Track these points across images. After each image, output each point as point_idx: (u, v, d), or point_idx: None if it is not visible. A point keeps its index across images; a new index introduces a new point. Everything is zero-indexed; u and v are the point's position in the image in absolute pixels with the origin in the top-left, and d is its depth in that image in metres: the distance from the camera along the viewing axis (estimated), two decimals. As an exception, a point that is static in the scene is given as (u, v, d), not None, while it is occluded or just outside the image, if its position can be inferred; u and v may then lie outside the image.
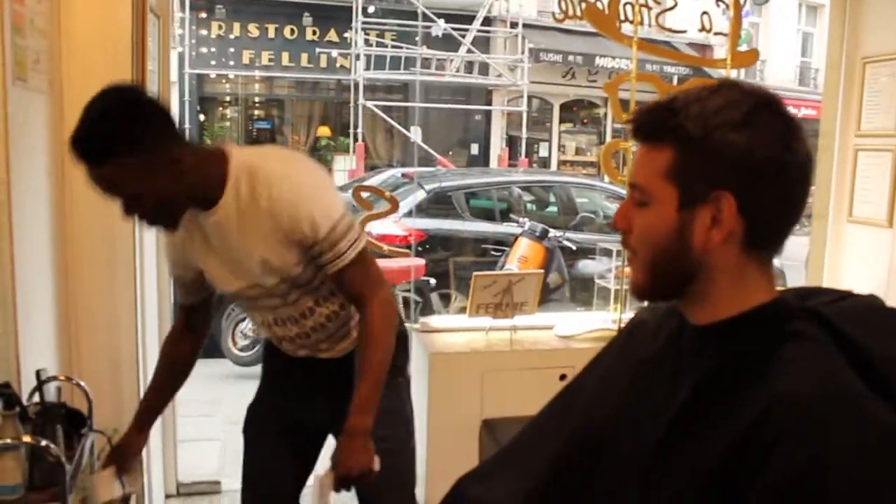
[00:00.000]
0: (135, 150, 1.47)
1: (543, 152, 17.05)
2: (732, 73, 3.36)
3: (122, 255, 2.43)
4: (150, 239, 2.71)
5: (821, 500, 0.78)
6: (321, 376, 1.90)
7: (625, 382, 1.05)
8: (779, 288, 1.00)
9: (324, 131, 17.28)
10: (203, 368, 5.23)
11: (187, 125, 14.72)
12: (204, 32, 15.33)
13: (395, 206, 3.05)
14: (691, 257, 0.93)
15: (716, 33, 3.43)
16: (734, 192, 0.90)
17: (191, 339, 1.98)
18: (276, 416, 1.99)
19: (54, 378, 1.81)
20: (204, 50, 15.40)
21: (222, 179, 1.62)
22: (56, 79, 2.24)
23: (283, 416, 1.97)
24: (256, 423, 2.04)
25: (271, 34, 15.89)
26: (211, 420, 4.24)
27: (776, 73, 18.24)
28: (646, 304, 1.12)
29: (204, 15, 15.11)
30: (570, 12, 3.04)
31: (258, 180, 1.61)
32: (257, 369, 5.26)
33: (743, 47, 3.47)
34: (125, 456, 1.85)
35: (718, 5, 3.41)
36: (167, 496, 3.06)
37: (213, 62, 15.68)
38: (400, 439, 1.90)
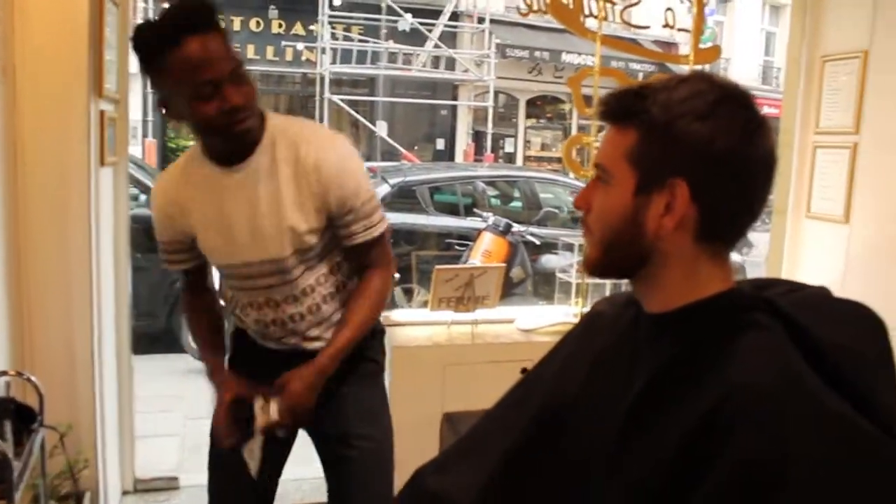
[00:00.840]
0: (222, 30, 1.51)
1: (509, 147, 17.09)
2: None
3: (77, 247, 2.39)
4: (106, 230, 2.66)
5: (780, 486, 0.78)
6: None
7: (583, 372, 1.05)
8: (737, 279, 1.01)
9: (307, 126, 17.16)
10: (162, 363, 5.25)
11: (150, 119, 14.55)
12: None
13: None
14: (643, 242, 0.94)
15: (679, 30, 3.45)
16: (689, 180, 0.90)
17: (204, 293, 1.89)
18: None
19: (3, 373, 1.78)
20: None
21: (255, 137, 1.60)
22: (9, 66, 2.20)
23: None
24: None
25: (237, 26, 15.72)
26: (170, 415, 4.20)
27: (740, 71, 18.45)
28: (605, 287, 1.13)
29: (166, 5, 14.89)
30: (535, 6, 3.04)
31: (304, 142, 1.61)
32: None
33: (707, 45, 3.50)
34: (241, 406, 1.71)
35: (682, 2, 3.44)
36: (124, 493, 3.02)
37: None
38: (383, 437, 1.90)
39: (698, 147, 0.90)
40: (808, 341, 0.88)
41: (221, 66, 1.46)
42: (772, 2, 18.62)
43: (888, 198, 3.24)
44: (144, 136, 14.44)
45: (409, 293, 6.10)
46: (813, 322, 0.90)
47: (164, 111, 1.57)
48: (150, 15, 13.69)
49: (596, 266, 1.01)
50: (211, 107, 1.47)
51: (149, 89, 13.82)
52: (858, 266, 3.32)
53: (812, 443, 0.79)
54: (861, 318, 0.94)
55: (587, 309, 2.81)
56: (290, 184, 1.60)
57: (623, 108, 0.95)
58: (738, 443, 0.80)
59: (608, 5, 2.97)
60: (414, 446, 2.72)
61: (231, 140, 1.56)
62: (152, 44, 1.47)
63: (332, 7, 14.24)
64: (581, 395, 1.03)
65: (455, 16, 15.76)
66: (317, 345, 1.76)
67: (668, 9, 3.35)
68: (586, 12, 2.94)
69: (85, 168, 2.40)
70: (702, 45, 3.45)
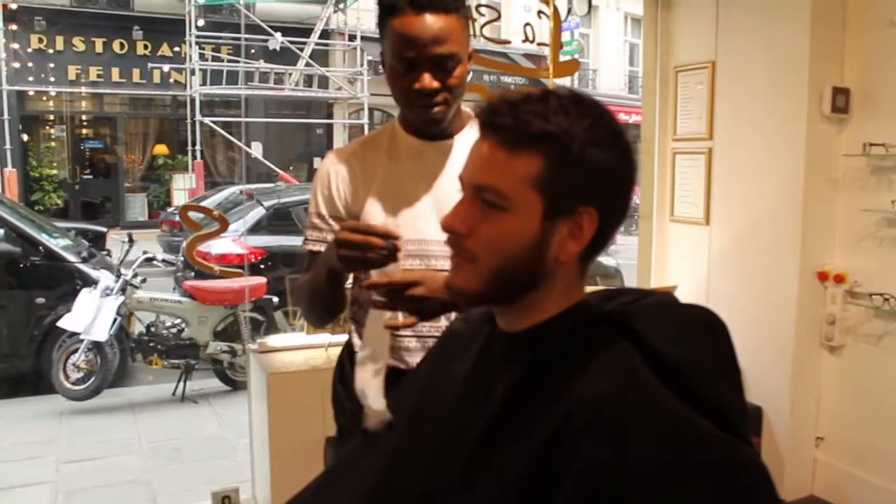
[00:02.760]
0: (467, 19, 1.49)
1: (385, 164, 17.08)
2: (566, 82, 3.47)
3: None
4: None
5: (623, 497, 0.78)
6: None
7: (442, 395, 1.04)
8: (588, 288, 1.02)
9: (161, 149, 16.64)
10: (29, 407, 4.98)
11: (8, 146, 13.79)
12: (19, 46, 14.34)
13: (224, 226, 2.95)
14: (541, 268, 0.92)
15: (539, 44, 3.54)
16: (597, 207, 0.90)
17: None
18: None
19: None
20: (20, 65, 14.41)
21: (444, 129, 1.57)
22: None
23: None
24: None
25: (99, 48, 15.16)
26: (40, 462, 3.95)
27: (607, 81, 19.17)
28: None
29: (15, 27, 14.10)
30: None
31: None
32: (93, 403, 4.99)
33: (574, 56, 3.60)
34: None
35: (540, 17, 3.52)
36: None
37: (32, 78, 14.72)
38: None
39: (607, 175, 0.91)
40: (651, 352, 0.89)
41: (428, 48, 1.44)
42: (632, 14, 19.39)
43: (742, 199, 3.42)
44: (3, 165, 13.64)
45: (288, 315, 5.98)
46: (657, 333, 0.91)
47: (381, 68, 1.57)
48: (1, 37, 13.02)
49: (479, 297, 0.96)
50: (404, 81, 1.48)
51: (6, 115, 13.08)
52: (720, 265, 3.48)
53: (654, 452, 0.80)
54: (705, 324, 0.95)
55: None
56: None
57: (526, 131, 0.89)
58: (583, 456, 0.81)
59: (473, 24, 3.00)
60: (297, 474, 2.67)
61: (420, 121, 1.54)
62: (385, 5, 1.48)
63: (198, 27, 13.91)
64: (440, 418, 1.01)
65: (326, 34, 15.69)
66: None
67: (527, 24, 3.42)
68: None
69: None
70: (565, 57, 3.55)
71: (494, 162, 0.90)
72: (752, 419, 3.26)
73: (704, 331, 0.94)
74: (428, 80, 1.45)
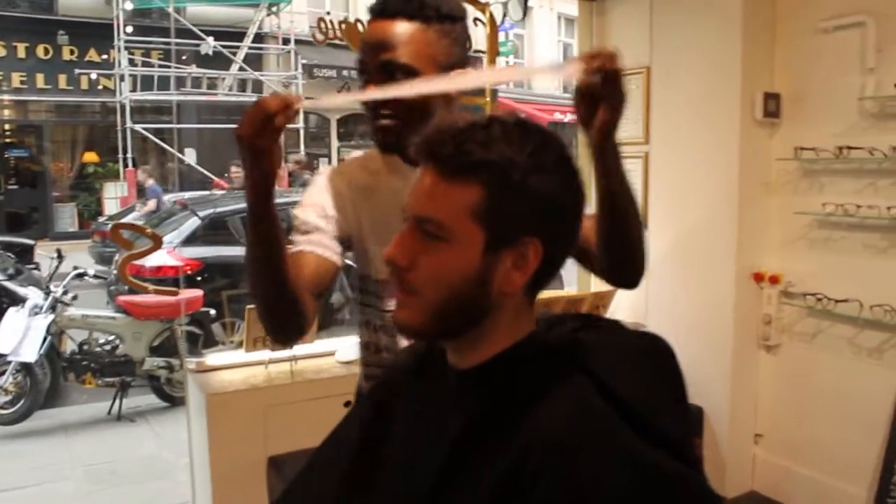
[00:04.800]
0: (458, 40, 1.40)
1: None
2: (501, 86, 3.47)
3: None
4: None
5: None
6: None
7: (390, 431, 1.01)
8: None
9: (90, 157, 16.18)
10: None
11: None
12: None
13: (158, 243, 2.86)
14: (485, 301, 0.89)
15: (476, 51, 3.53)
16: (542, 237, 0.88)
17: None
18: None
19: None
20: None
21: (397, 142, 1.44)
22: None
23: None
24: None
25: (21, 53, 14.66)
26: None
27: (542, 81, 19.32)
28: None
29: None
30: (331, 34, 3.01)
31: None
32: (23, 427, 4.80)
33: (510, 59, 3.60)
34: None
35: (476, 25, 3.51)
36: None
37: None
38: None
39: (550, 203, 0.88)
40: (606, 389, 0.88)
41: (376, 55, 1.35)
42: (566, 15, 19.59)
43: (679, 203, 3.46)
44: None
45: (231, 327, 5.88)
46: (609, 368, 0.90)
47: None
48: None
49: (423, 332, 0.93)
50: (361, 87, 1.39)
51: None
52: (659, 268, 3.50)
53: (611, 490, 0.79)
54: (654, 353, 0.95)
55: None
56: None
57: (463, 159, 0.86)
58: (540, 496, 0.79)
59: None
60: (240, 495, 2.62)
61: (372, 134, 1.43)
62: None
63: (126, 32, 13.58)
64: (388, 457, 0.98)
65: (259, 37, 15.48)
66: None
67: (465, 31, 3.40)
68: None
69: None
70: (501, 59, 3.55)
71: (435, 192, 0.88)
72: (694, 420, 3.30)
73: (654, 361, 0.94)
74: (371, 89, 1.35)
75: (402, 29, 1.35)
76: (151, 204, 10.35)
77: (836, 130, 3.02)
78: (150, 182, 11.03)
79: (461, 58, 1.42)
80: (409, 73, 1.34)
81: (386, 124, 1.39)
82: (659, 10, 3.50)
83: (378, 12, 1.37)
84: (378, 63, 1.35)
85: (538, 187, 0.87)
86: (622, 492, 0.79)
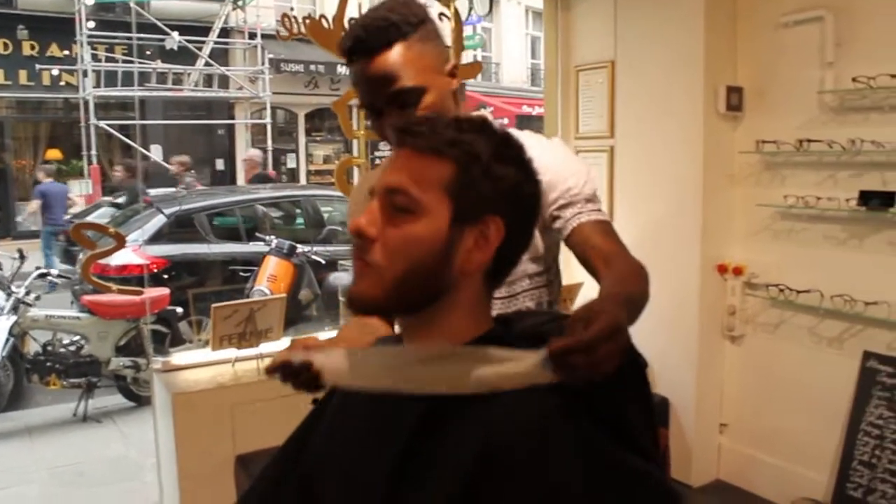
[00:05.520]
0: (434, 35, 1.40)
1: (291, 163, 16.79)
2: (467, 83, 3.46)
3: None
4: None
5: None
6: None
7: (346, 427, 1.01)
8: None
9: (53, 154, 15.87)
10: None
11: None
12: None
13: (121, 243, 2.83)
14: (446, 277, 0.91)
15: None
16: (504, 218, 0.92)
17: None
18: None
19: None
20: None
21: None
22: None
23: None
24: None
25: (-20, 49, 14.38)
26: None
27: (510, 74, 19.36)
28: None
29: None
30: (294, 30, 2.99)
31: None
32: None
33: (477, 52, 3.60)
34: None
35: (441, 20, 3.50)
36: None
37: None
38: None
39: (513, 189, 0.93)
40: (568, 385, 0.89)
41: (380, 91, 1.36)
42: (533, 8, 19.62)
43: (644, 196, 3.49)
44: None
45: (198, 325, 5.83)
46: None
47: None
48: None
49: (380, 305, 0.94)
50: (379, 128, 1.41)
51: None
52: (624, 261, 3.54)
53: (574, 487, 0.80)
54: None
55: (374, 332, 2.80)
56: None
57: (443, 139, 0.92)
58: (500, 487, 0.80)
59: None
60: (208, 494, 2.60)
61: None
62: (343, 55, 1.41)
63: (88, 27, 13.36)
64: (344, 454, 0.98)
65: (225, 32, 15.31)
66: None
67: (430, 26, 3.39)
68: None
69: None
70: (469, 55, 3.54)
71: (408, 166, 0.92)
72: (660, 410, 3.34)
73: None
74: (391, 123, 1.33)
75: (391, 56, 1.35)
76: None
77: (797, 123, 3.06)
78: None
79: (444, 47, 1.46)
80: (420, 92, 1.37)
81: None
82: (623, 3, 3.52)
83: (360, 52, 1.37)
84: (387, 97, 1.37)
85: (502, 172, 0.93)
86: (583, 488, 0.80)
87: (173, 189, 8.76)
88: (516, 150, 0.97)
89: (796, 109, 3.08)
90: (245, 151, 15.26)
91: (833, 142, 2.90)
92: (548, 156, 1.42)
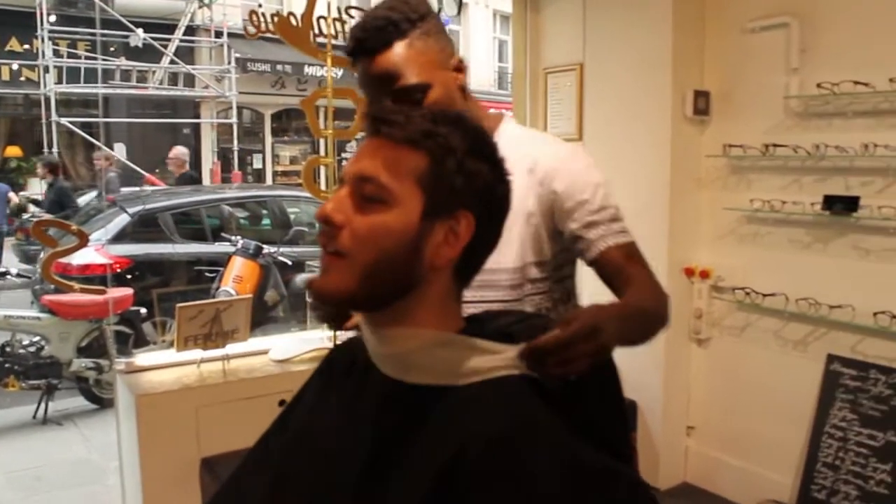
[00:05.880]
0: (437, 30, 1.38)
1: (257, 164, 16.66)
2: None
3: None
4: None
5: None
6: None
7: (319, 430, 0.99)
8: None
9: (13, 151, 15.60)
10: None
11: None
12: None
13: (84, 241, 2.77)
14: (416, 270, 0.89)
15: (411, 46, 3.51)
16: (475, 214, 0.91)
17: None
18: None
19: None
20: None
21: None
22: None
23: None
24: None
25: (-64, 44, 14.07)
26: None
27: (477, 77, 19.37)
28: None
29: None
30: (263, 27, 2.95)
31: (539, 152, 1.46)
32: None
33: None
34: None
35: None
36: None
37: None
38: None
39: (486, 186, 0.92)
40: (538, 384, 0.88)
41: (383, 88, 1.35)
42: (501, 12, 19.68)
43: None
44: None
45: (157, 326, 5.75)
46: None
47: None
48: None
49: (349, 297, 0.90)
50: None
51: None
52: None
53: (551, 492, 0.79)
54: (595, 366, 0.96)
55: (341, 333, 2.77)
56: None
57: (418, 130, 0.90)
58: (476, 494, 0.79)
59: (338, 24, 2.93)
60: (172, 499, 2.56)
61: None
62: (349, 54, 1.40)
63: (50, 21, 13.13)
64: (316, 454, 0.96)
65: (191, 30, 15.15)
66: None
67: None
68: (316, 31, 2.89)
69: None
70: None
71: (381, 155, 0.90)
72: (628, 414, 3.35)
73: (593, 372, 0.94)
74: None
75: (392, 55, 1.35)
76: None
77: (763, 128, 3.10)
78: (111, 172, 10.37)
79: (448, 42, 1.43)
80: (424, 89, 1.36)
81: None
82: (592, 7, 3.54)
83: (362, 53, 1.36)
84: (391, 96, 1.35)
85: (476, 168, 0.91)
86: (557, 488, 0.79)
87: (138, 188, 8.64)
88: (490, 146, 0.95)
89: (762, 114, 3.11)
90: (211, 151, 15.14)
91: (798, 147, 2.94)
92: (570, 163, 1.44)
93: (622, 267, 1.37)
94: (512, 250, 1.43)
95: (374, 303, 0.92)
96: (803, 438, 3.00)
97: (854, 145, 2.79)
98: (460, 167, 0.90)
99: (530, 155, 1.43)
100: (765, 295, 3.09)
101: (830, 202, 2.87)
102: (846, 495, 2.83)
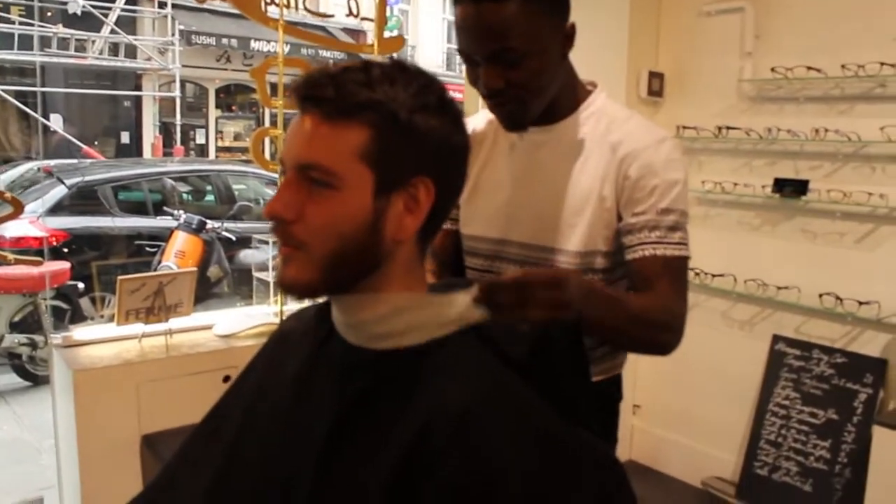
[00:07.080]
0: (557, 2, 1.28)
1: (200, 139, 16.33)
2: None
3: None
4: None
5: None
6: None
7: (274, 400, 0.94)
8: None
9: (-59, 120, 15.04)
10: None
11: None
12: None
13: (19, 209, 2.65)
14: (379, 249, 0.84)
15: (363, 19, 3.44)
16: (432, 177, 0.85)
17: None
18: None
19: None
20: None
21: (574, 102, 1.39)
22: None
23: None
24: None
25: None
26: None
27: (426, 57, 19.28)
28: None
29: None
30: (212, -8, 2.86)
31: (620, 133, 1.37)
32: None
33: (394, 33, 3.52)
34: None
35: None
36: None
37: None
38: None
39: (439, 142, 0.85)
40: (502, 355, 0.86)
41: (482, 44, 1.22)
42: (450, -8, 19.61)
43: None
44: None
45: (101, 302, 5.59)
46: (507, 335, 0.89)
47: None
48: None
49: (313, 288, 0.86)
50: (472, 76, 1.29)
51: None
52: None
53: (516, 459, 0.77)
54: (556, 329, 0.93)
55: (287, 307, 2.72)
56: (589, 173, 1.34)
57: (347, 99, 0.81)
58: (444, 467, 0.76)
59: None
60: (112, 476, 2.48)
61: (496, 116, 1.36)
62: None
63: (-18, -15, 12.65)
64: (274, 428, 0.91)
65: (133, -1, 14.76)
66: None
67: (351, -3, 3.31)
68: (268, 0, 2.81)
69: None
70: (387, 34, 3.46)
71: (318, 137, 0.82)
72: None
73: (556, 335, 0.91)
74: (491, 77, 1.24)
75: (507, 8, 1.19)
76: None
77: (716, 111, 3.12)
78: None
79: (564, 17, 1.32)
80: (523, 58, 1.23)
81: (513, 109, 1.31)
82: (548, -15, 3.51)
83: None
84: (488, 53, 1.23)
85: (426, 126, 0.84)
86: (533, 466, 0.77)
87: (75, 160, 8.38)
88: (437, 94, 0.87)
89: (716, 97, 3.13)
90: (152, 125, 14.79)
91: (750, 130, 2.96)
92: (653, 152, 1.32)
93: (651, 279, 1.27)
94: (578, 233, 1.33)
95: (339, 287, 0.88)
96: (747, 416, 3.05)
97: (805, 130, 2.82)
98: (407, 131, 0.82)
99: (616, 133, 1.35)
100: (714, 275, 3.12)
101: (780, 185, 2.91)
102: (787, 471, 2.89)
